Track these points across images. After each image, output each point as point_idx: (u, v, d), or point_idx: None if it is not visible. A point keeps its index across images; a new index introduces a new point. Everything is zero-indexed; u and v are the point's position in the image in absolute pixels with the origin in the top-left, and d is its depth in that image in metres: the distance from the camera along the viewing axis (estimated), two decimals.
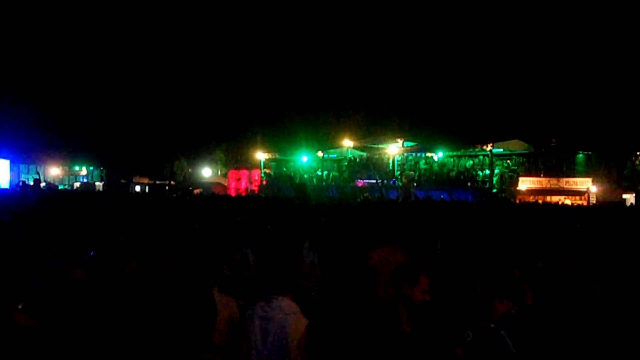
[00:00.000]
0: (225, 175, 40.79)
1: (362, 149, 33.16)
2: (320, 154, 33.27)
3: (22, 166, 43.28)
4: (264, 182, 34.94)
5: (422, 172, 30.19)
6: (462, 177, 28.62)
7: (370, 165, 32.26)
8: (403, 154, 30.95)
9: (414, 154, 31.02)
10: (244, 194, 32.29)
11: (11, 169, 39.24)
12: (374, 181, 30.90)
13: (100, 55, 45.60)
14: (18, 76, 41.78)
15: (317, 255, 6.57)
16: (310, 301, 4.66)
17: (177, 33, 48.24)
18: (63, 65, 43.98)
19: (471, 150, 28.82)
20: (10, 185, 34.66)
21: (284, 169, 35.86)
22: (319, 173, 33.40)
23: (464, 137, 29.32)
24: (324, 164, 33.67)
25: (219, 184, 38.68)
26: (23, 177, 39.55)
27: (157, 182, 41.54)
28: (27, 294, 3.84)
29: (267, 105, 41.31)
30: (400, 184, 29.51)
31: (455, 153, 29.49)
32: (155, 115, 42.89)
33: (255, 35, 47.87)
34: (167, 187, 37.47)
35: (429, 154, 30.47)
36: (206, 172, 43.40)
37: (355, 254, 6.28)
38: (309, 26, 46.73)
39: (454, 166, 29.50)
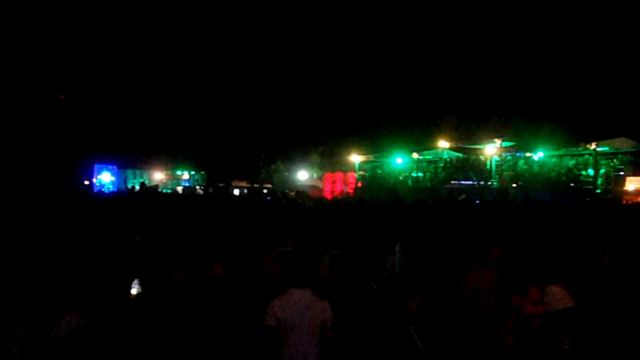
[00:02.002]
0: (320, 178, 41.76)
1: (458, 149, 33.08)
2: (415, 155, 33.55)
3: (128, 171, 46.45)
4: (359, 185, 35.60)
5: (521, 172, 29.84)
6: (563, 177, 28.07)
7: (467, 166, 32.18)
8: (501, 155, 30.65)
9: (512, 154, 30.63)
10: (339, 197, 33.08)
11: (118, 174, 42.41)
12: (471, 182, 30.87)
13: (199, 67, 47.84)
14: (125, 91, 44.86)
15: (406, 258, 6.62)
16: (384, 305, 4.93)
17: (269, 38, 49.76)
18: (167, 81, 46.58)
19: (574, 149, 28.15)
20: (117, 189, 37.39)
21: (379, 171, 36.39)
22: (414, 174, 33.73)
23: (566, 135, 28.68)
24: (419, 165, 33.95)
25: (314, 186, 39.60)
26: (130, 182, 42.45)
27: (255, 185, 43.10)
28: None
29: (362, 108, 42.01)
30: (499, 185, 29.31)
31: (556, 152, 28.88)
32: (253, 119, 44.60)
33: (348, 37, 48.64)
34: (264, 191, 38.88)
35: (528, 154, 29.98)
36: (302, 175, 44.50)
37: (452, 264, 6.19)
38: (402, 26, 46.95)
39: (555, 166, 28.94)
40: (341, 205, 18.35)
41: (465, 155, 32.79)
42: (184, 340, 4.05)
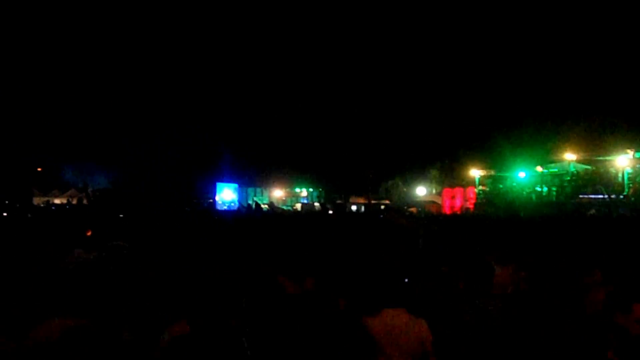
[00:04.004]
0: (439, 194, 41.54)
1: (586, 161, 31.90)
2: (539, 168, 32.71)
3: (249, 189, 48.65)
4: (480, 200, 35.12)
5: None
6: None
7: (597, 179, 30.95)
8: (635, 166, 29.29)
9: None
10: (459, 213, 32.84)
11: (239, 192, 44.53)
12: (601, 197, 29.64)
13: (315, 87, 49.24)
14: (247, 111, 47.18)
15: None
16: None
17: (381, 54, 50.29)
18: (286, 100, 48.38)
19: None
20: (238, 206, 39.25)
21: (500, 186, 35.71)
22: (538, 189, 32.83)
23: None
24: (544, 179, 33.03)
25: (433, 202, 39.48)
26: (250, 200, 44.56)
27: (373, 201, 43.53)
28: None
29: (482, 121, 41.47)
30: (632, 199, 27.99)
31: None
32: (371, 136, 45.22)
33: (471, 53, 48.19)
34: (382, 207, 39.24)
35: None
36: (420, 191, 44.44)
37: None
38: (518, 34, 45.97)
39: None
40: (457, 221, 18.44)
41: (594, 168, 31.54)
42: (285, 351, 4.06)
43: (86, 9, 50.68)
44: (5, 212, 17.74)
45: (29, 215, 16.51)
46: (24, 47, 44.36)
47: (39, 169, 47.99)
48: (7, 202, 27.67)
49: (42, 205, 31.10)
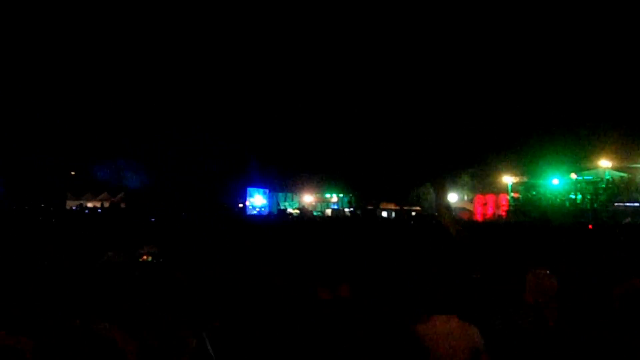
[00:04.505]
0: (471, 201, 41.25)
1: (622, 169, 31.51)
2: (573, 175, 32.33)
3: (279, 194, 48.98)
4: (512, 207, 34.79)
5: None
6: None
7: (633, 187, 30.52)
8: None
9: None
10: (491, 220, 32.61)
11: (270, 197, 44.85)
12: (638, 204, 29.20)
13: (345, 92, 49.34)
14: (275, 116, 47.49)
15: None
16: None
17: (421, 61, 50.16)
18: (314, 105, 48.56)
19: None
20: (269, 211, 39.62)
21: (533, 193, 35.34)
22: (572, 196, 32.42)
23: None
24: (578, 186, 32.61)
25: (464, 209, 39.23)
26: (281, 205, 44.96)
27: (404, 207, 43.39)
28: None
29: (515, 127, 41.04)
30: None
31: None
32: (402, 141, 45.08)
33: (508, 57, 47.78)
34: (412, 213, 39.13)
35: None
36: (452, 197, 44.16)
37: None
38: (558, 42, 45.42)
39: None
40: (489, 228, 18.33)
41: (630, 175, 31.08)
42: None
43: (124, 11, 51.60)
44: (41, 215, 18.16)
45: (63, 218, 16.87)
46: (61, 55, 45.30)
47: (72, 173, 48.88)
48: (42, 205, 28.27)
49: (75, 209, 31.71)
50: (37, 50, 44.36)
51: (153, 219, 16.64)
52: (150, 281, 5.28)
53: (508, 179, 35.94)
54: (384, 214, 41.05)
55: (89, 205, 40.70)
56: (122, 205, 36.31)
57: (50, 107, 43.05)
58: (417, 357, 3.90)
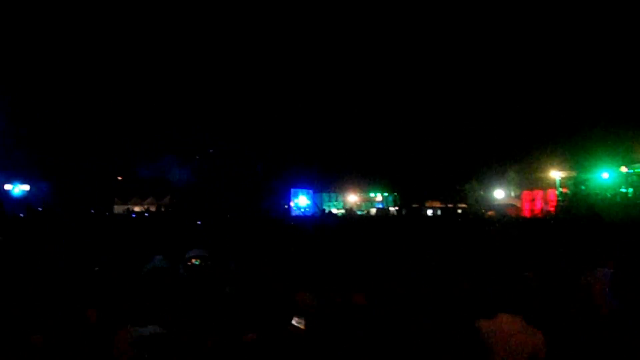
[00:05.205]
0: (518, 197, 40.63)
1: None
2: (624, 169, 31.53)
3: (324, 194, 49.13)
4: (561, 203, 34.08)
5: None
6: None
7: None
8: None
9: None
10: (540, 216, 32.01)
11: (314, 197, 45.02)
12: None
13: (390, 94, 49.20)
14: (321, 118, 47.72)
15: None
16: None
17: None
18: (360, 106, 48.61)
19: None
20: (313, 212, 39.74)
21: (583, 188, 34.52)
22: (623, 190, 31.62)
23: None
24: (629, 180, 31.78)
25: (512, 205, 38.66)
26: (325, 205, 45.10)
27: (449, 205, 43.02)
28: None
29: (562, 119, 40.25)
30: None
31: None
32: (447, 138, 44.75)
33: (554, 47, 46.93)
34: (458, 211, 38.72)
35: None
36: (498, 194, 43.61)
37: None
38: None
39: None
40: (539, 224, 18.05)
41: None
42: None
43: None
44: (91, 220, 18.59)
45: (112, 223, 17.25)
46: (109, 63, 46.34)
47: (119, 178, 49.87)
48: (92, 211, 28.94)
49: (123, 213, 32.31)
50: (83, 58, 45.47)
51: (199, 222, 16.84)
52: (198, 285, 5.40)
53: (556, 174, 35.25)
54: (429, 212, 40.74)
55: (136, 209, 41.44)
56: (169, 209, 36.84)
57: (98, 114, 44.05)
58: (480, 353, 3.96)
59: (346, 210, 42.04)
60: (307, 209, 42.16)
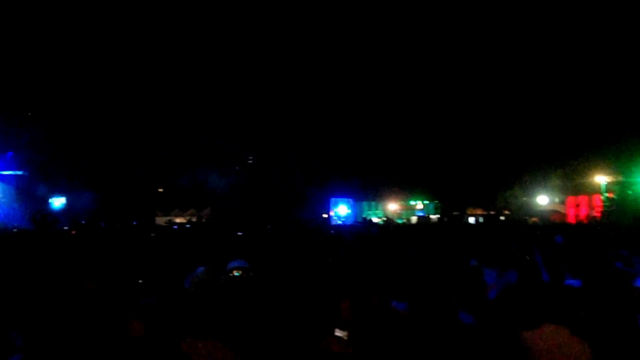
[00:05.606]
0: (562, 203, 39.98)
1: None
2: None
3: (364, 203, 49.08)
4: (607, 208, 33.45)
5: None
6: None
7: None
8: None
9: None
10: (585, 222, 31.47)
11: (354, 206, 45.03)
12: None
13: (429, 103, 49.04)
14: (361, 127, 47.82)
15: None
16: None
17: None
18: (400, 115, 48.56)
19: None
20: (353, 221, 39.69)
21: (629, 192, 33.77)
22: None
23: None
24: None
25: (556, 211, 38.10)
26: (365, 214, 45.08)
27: (491, 212, 42.57)
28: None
29: (607, 123, 39.49)
30: None
31: None
32: (488, 145, 44.34)
33: (602, 52, 46.15)
34: (501, 218, 38.30)
35: None
36: (542, 200, 42.98)
37: None
38: None
39: None
40: (585, 230, 17.72)
41: None
42: None
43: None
44: (135, 233, 18.88)
45: (155, 235, 17.45)
46: (148, 77, 47.21)
47: (160, 190, 50.62)
48: (135, 223, 29.40)
49: (165, 225, 32.72)
50: (126, 70, 46.41)
51: (240, 233, 16.95)
52: (242, 298, 5.41)
53: (601, 179, 34.56)
54: (471, 219, 40.31)
55: (177, 220, 41.92)
56: (210, 220, 37.21)
57: (139, 127, 44.86)
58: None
59: (387, 218, 41.93)
60: (347, 218, 42.15)
